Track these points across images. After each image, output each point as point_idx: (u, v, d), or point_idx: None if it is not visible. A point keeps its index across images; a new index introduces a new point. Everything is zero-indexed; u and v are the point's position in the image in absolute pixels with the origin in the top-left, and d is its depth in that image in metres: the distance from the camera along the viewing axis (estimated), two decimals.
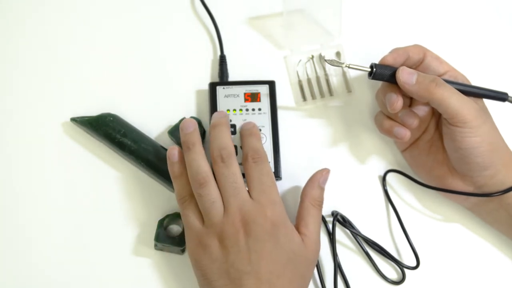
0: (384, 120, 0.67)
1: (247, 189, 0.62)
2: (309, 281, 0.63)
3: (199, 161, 0.62)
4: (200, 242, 0.60)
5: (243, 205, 0.60)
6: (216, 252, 0.59)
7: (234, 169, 0.61)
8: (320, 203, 0.64)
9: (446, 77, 0.66)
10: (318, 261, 0.66)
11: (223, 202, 0.60)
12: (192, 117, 0.70)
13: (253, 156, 0.62)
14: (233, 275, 0.58)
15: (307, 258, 0.61)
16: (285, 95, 0.73)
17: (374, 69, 0.64)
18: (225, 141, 0.62)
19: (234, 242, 0.58)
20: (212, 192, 0.60)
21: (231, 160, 0.61)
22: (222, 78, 0.72)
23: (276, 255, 0.58)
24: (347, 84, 0.73)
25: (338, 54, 0.75)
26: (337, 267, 0.65)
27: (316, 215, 0.63)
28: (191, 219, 0.61)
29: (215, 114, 0.66)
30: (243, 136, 0.65)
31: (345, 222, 0.67)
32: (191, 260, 0.61)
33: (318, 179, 0.64)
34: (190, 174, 0.62)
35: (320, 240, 0.63)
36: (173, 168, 0.63)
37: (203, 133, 0.69)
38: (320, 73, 0.74)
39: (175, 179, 0.63)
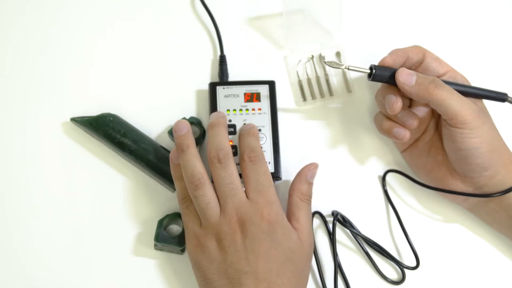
0: (384, 121, 0.67)
1: (244, 189, 0.62)
2: (308, 276, 0.63)
3: (194, 162, 0.62)
4: (199, 243, 0.60)
5: (239, 205, 0.60)
6: (214, 252, 0.59)
7: (230, 170, 0.61)
8: (308, 198, 0.64)
9: (446, 78, 0.66)
10: (318, 261, 0.66)
11: (220, 203, 0.60)
12: (192, 117, 0.70)
13: (249, 155, 0.62)
14: (232, 275, 0.58)
15: (304, 253, 0.61)
16: (285, 95, 0.73)
17: (374, 71, 0.64)
18: (222, 141, 0.62)
19: (232, 243, 0.58)
20: (207, 193, 0.60)
21: (227, 160, 0.61)
22: (222, 78, 0.72)
23: (274, 254, 0.58)
24: (347, 84, 0.73)
25: (338, 54, 0.75)
26: (337, 267, 0.65)
27: (305, 209, 0.63)
28: (191, 220, 0.62)
29: (213, 114, 0.66)
30: (240, 136, 0.65)
31: (345, 222, 0.67)
32: (191, 261, 0.61)
33: (306, 174, 0.64)
34: (185, 176, 0.62)
35: (313, 232, 0.64)
36: (175, 169, 0.64)
37: (203, 133, 0.69)
38: (320, 73, 0.74)
39: (177, 181, 0.64)
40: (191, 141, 0.63)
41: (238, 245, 0.58)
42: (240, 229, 0.59)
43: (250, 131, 0.65)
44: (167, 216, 0.66)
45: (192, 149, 0.62)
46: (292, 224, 0.62)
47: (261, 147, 0.66)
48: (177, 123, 0.64)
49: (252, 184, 0.61)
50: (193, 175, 0.61)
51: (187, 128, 0.64)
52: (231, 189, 0.60)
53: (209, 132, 0.64)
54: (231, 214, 0.59)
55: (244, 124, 0.68)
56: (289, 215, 0.63)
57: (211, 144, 0.62)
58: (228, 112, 0.68)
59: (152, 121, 0.71)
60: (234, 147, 0.66)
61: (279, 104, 0.71)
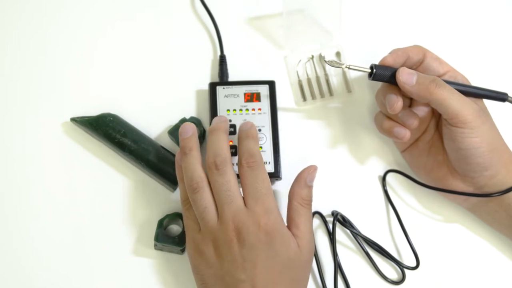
0: (384, 120, 0.67)
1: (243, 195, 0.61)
2: (307, 282, 0.62)
3: (194, 166, 0.61)
4: (197, 247, 0.60)
5: (236, 213, 0.58)
6: (212, 258, 0.58)
7: (228, 177, 0.59)
8: (308, 202, 0.62)
9: (446, 77, 0.66)
10: (318, 261, 0.66)
11: (217, 209, 0.59)
12: (192, 117, 0.70)
13: (247, 161, 0.60)
14: (229, 282, 0.57)
15: (303, 260, 0.60)
16: (285, 95, 0.73)
17: (374, 70, 0.64)
18: (220, 147, 0.61)
19: (228, 251, 0.58)
20: (205, 197, 0.59)
21: (225, 167, 0.60)
22: (222, 78, 0.72)
23: (272, 264, 0.58)
24: (347, 84, 0.73)
25: (338, 54, 0.75)
26: (338, 267, 0.65)
27: (306, 214, 0.62)
28: (190, 223, 0.61)
29: (215, 118, 0.65)
30: (239, 138, 0.63)
31: (345, 222, 0.67)
32: (190, 264, 0.61)
33: (305, 178, 0.63)
34: (185, 179, 0.61)
35: (313, 238, 0.62)
36: (179, 171, 0.63)
37: (203, 133, 0.69)
38: (320, 73, 0.74)
39: (180, 182, 0.63)
40: (194, 144, 0.62)
41: (234, 254, 0.57)
42: (236, 238, 0.58)
43: (249, 132, 0.63)
44: (167, 216, 0.66)
45: (194, 152, 0.62)
46: (292, 231, 0.61)
47: (261, 150, 0.66)
48: (183, 125, 0.63)
49: (250, 191, 0.60)
50: (192, 179, 0.60)
51: (192, 131, 0.63)
52: (227, 196, 0.59)
53: (209, 137, 0.63)
54: (228, 222, 0.58)
55: (244, 122, 0.67)
56: (289, 221, 0.62)
57: (209, 149, 0.61)
58: (228, 112, 0.68)
59: (152, 121, 0.71)
60: (234, 147, 0.66)
61: (279, 104, 0.71)
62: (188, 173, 0.61)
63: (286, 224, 0.61)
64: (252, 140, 0.62)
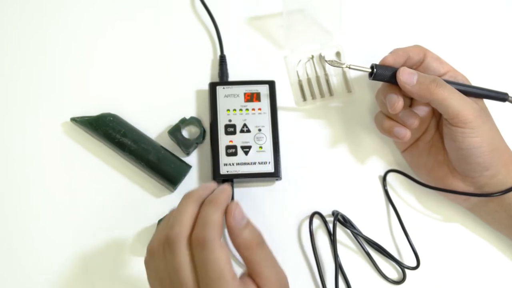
0: (384, 120, 0.67)
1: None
2: None
3: (173, 222, 0.52)
4: None
5: None
6: None
7: (176, 258, 0.50)
8: (258, 241, 0.52)
9: (447, 77, 0.66)
10: (318, 261, 0.66)
11: None
12: (192, 117, 0.70)
13: (197, 236, 0.50)
14: None
15: None
16: (285, 95, 0.73)
17: (375, 70, 0.64)
18: (179, 218, 0.51)
19: None
20: (160, 267, 0.51)
21: (175, 246, 0.50)
22: (222, 78, 0.72)
23: None
24: (347, 84, 0.73)
25: (338, 54, 0.75)
26: (338, 267, 0.65)
27: (263, 257, 0.52)
28: (152, 281, 0.54)
29: (202, 185, 0.57)
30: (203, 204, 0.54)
31: (345, 222, 0.67)
32: None
33: (237, 220, 0.52)
34: (157, 230, 0.54)
35: (281, 270, 0.53)
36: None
37: (203, 133, 0.69)
38: (320, 73, 0.74)
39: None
40: (190, 207, 0.53)
41: None
42: None
43: (212, 198, 0.53)
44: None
45: (184, 211, 0.52)
46: (256, 281, 0.52)
47: (261, 150, 0.66)
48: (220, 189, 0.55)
49: (200, 275, 0.49)
50: (160, 236, 0.52)
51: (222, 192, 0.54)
52: (171, 283, 0.50)
53: (179, 202, 0.54)
54: None
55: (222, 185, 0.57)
56: (249, 272, 0.52)
57: (171, 218, 0.53)
58: (228, 112, 0.68)
59: (152, 121, 0.71)
60: (234, 147, 0.67)
61: (279, 104, 0.71)
62: (161, 226, 0.54)
63: (247, 272, 0.53)
64: (213, 207, 0.52)
